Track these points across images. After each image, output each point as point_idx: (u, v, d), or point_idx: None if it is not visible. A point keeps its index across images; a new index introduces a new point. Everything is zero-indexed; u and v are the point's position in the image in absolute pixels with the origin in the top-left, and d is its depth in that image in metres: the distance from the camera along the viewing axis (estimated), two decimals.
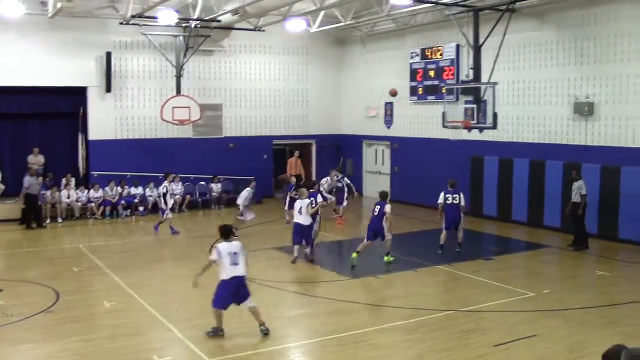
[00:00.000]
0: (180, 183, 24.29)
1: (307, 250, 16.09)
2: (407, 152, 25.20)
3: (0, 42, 21.95)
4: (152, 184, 23.62)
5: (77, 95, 23.69)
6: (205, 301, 12.97)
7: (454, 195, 16.61)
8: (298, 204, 16.06)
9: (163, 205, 19.51)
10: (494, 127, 18.22)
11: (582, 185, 16.80)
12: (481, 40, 18.47)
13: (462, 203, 16.67)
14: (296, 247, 15.92)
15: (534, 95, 20.17)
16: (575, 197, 16.90)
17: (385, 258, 15.68)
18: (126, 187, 23.36)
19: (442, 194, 16.70)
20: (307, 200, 16.01)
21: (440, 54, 23.21)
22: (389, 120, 26.22)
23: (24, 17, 21.07)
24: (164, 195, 19.46)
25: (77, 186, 23.00)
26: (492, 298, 12.79)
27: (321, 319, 11.86)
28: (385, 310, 12.25)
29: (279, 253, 17.09)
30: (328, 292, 13.42)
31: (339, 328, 11.13)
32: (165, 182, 19.86)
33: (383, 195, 15.83)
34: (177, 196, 23.86)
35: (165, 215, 19.54)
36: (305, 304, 12.91)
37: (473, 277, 14.49)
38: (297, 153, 26.02)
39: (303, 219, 15.82)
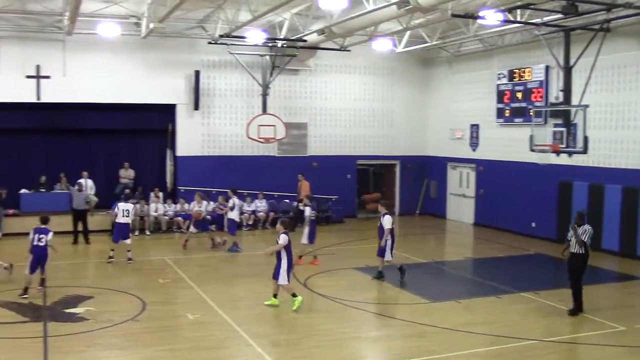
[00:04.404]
0: (264, 200, 24.56)
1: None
2: (493, 176, 24.70)
3: (97, 61, 22.92)
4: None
5: (167, 112, 24.48)
6: (284, 317, 13.05)
7: None
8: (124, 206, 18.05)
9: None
10: (585, 151, 17.59)
11: (588, 230, 13.17)
12: (572, 61, 17.93)
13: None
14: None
15: (628, 118, 19.43)
16: (579, 248, 13.20)
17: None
18: (211, 202, 23.69)
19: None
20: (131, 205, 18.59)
21: (529, 76, 22.73)
22: (474, 143, 25.82)
23: (118, 38, 22.18)
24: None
25: (164, 200, 23.70)
26: (578, 329, 12.36)
27: (400, 342, 11.74)
28: (466, 335, 11.99)
29: (359, 273, 17.02)
30: (408, 315, 13.26)
31: (418, 351, 11.02)
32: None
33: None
34: (261, 213, 24.24)
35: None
36: (385, 325, 12.79)
37: (559, 306, 13.93)
38: (300, 176, 24.47)
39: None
